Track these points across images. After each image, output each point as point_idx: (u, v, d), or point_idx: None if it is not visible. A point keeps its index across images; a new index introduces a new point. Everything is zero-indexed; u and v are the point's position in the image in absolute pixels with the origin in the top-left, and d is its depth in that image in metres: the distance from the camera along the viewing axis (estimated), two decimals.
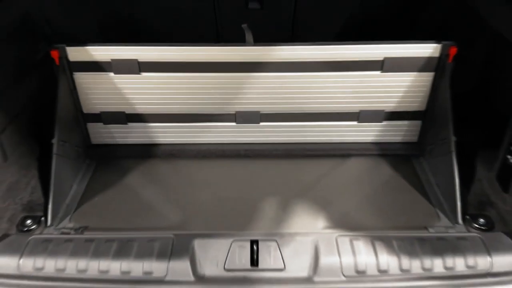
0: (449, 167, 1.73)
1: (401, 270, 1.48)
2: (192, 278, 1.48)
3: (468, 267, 1.49)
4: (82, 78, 1.88)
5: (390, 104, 1.96)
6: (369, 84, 1.90)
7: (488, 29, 1.83)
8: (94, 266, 1.50)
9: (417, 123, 2.02)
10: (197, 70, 1.86)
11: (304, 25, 2.54)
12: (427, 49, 1.81)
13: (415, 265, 1.49)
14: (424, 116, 1.99)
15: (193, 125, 2.02)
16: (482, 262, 1.50)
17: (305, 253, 1.53)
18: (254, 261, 1.53)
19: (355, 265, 1.49)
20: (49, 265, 1.51)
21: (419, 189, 1.88)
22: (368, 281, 1.47)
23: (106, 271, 1.49)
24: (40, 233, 1.65)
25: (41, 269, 1.50)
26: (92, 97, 1.93)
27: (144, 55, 1.83)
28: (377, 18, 2.52)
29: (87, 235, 1.62)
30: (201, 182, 1.93)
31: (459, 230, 1.65)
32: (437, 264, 1.49)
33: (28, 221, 1.70)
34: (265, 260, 1.52)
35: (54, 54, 1.80)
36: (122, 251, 1.53)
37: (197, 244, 1.55)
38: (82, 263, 1.50)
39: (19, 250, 1.54)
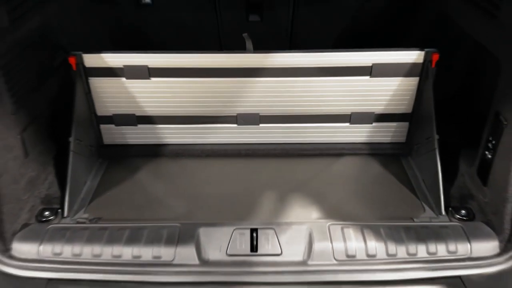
0: (433, 163, 1.85)
1: (388, 255, 1.59)
2: (197, 261, 1.59)
3: (449, 252, 1.60)
4: (97, 83, 2.01)
5: (379, 106, 2.08)
6: (359, 88, 2.02)
7: (467, 38, 1.96)
8: (108, 251, 1.61)
9: (405, 124, 2.14)
10: (201, 76, 1.99)
11: (301, 35, 2.69)
12: (412, 56, 1.94)
13: (400, 250, 1.60)
14: (411, 118, 2.11)
15: (198, 126, 2.14)
16: (462, 248, 1.61)
17: (300, 239, 1.64)
18: (254, 247, 1.63)
19: (346, 250, 1.60)
20: (67, 250, 1.62)
21: (406, 184, 2.00)
22: (357, 264, 1.58)
23: (119, 256, 1.60)
24: (58, 223, 1.77)
25: (59, 254, 1.62)
26: (105, 100, 2.07)
27: (153, 62, 1.96)
28: (368, 29, 2.67)
29: (101, 224, 1.74)
30: (205, 179, 2.04)
31: (442, 220, 1.76)
32: (421, 250, 1.60)
33: (46, 213, 1.81)
34: (263, 246, 1.63)
35: (72, 60, 1.94)
36: (133, 238, 1.64)
37: (202, 232, 1.66)
38: (97, 248, 1.62)
39: (39, 238, 1.66)
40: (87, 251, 1.61)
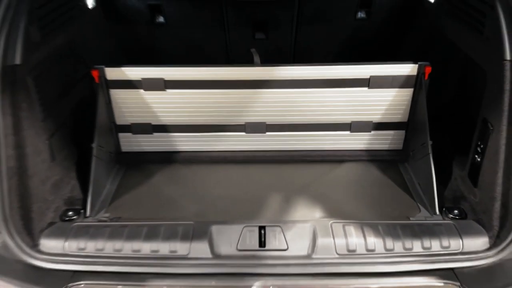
0: (428, 166, 1.97)
1: (386, 249, 1.69)
2: (210, 255, 1.70)
3: (442, 247, 1.70)
4: (117, 94, 2.16)
5: (377, 116, 2.21)
6: (358, 99, 2.16)
7: (458, 52, 2.10)
8: (128, 246, 1.72)
9: (401, 132, 2.26)
10: (213, 87, 2.13)
11: (303, 51, 2.84)
12: (406, 69, 2.08)
13: (397, 245, 1.70)
14: (407, 126, 2.24)
15: (209, 134, 2.27)
16: (455, 243, 1.71)
17: (305, 236, 1.74)
18: (262, 243, 1.73)
19: (347, 245, 1.71)
20: (90, 246, 1.73)
21: (403, 187, 2.11)
22: (358, 258, 1.68)
23: (138, 250, 1.71)
24: (81, 222, 1.89)
25: (83, 249, 1.73)
26: (124, 110, 2.21)
27: (169, 75, 2.11)
28: (366, 44, 2.82)
29: (121, 222, 1.86)
30: (216, 182, 2.17)
31: (436, 219, 1.87)
32: (416, 245, 1.70)
33: (70, 213, 1.93)
34: (271, 242, 1.73)
35: (95, 73, 2.09)
36: (151, 234, 1.75)
37: (214, 229, 1.77)
38: (118, 244, 1.72)
39: (65, 234, 1.77)
40: (109, 246, 1.73)
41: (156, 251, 1.71)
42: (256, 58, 2.15)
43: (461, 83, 2.11)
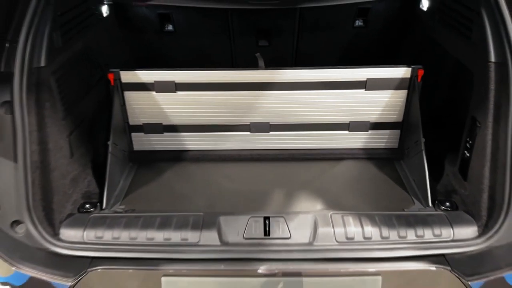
0: (421, 162, 2.08)
1: (382, 237, 1.79)
2: (219, 243, 1.79)
3: (434, 235, 1.80)
4: (130, 96, 2.28)
5: (373, 116, 2.33)
6: (356, 100, 2.27)
7: (449, 56, 2.22)
8: (142, 235, 1.81)
9: (396, 132, 2.38)
10: (220, 89, 2.25)
11: (304, 57, 2.97)
12: (401, 72, 2.20)
13: (392, 233, 1.79)
14: (402, 126, 2.35)
15: (216, 134, 2.39)
16: (446, 232, 1.81)
17: (306, 226, 1.83)
18: (267, 232, 1.82)
19: (346, 233, 1.80)
20: (107, 234, 1.83)
21: (398, 183, 2.23)
22: (355, 245, 1.78)
23: (152, 238, 1.81)
24: (98, 213, 2.00)
25: (101, 237, 1.83)
26: (137, 111, 2.33)
27: (179, 77, 2.23)
28: (363, 50, 2.95)
29: (135, 213, 1.98)
30: (223, 179, 2.28)
31: (429, 210, 1.98)
32: (410, 233, 1.79)
33: (87, 205, 2.04)
34: (275, 231, 1.82)
35: (111, 76, 2.22)
36: (164, 224, 1.85)
37: (222, 220, 1.86)
38: (133, 233, 1.82)
39: (83, 224, 1.87)
40: (125, 235, 1.83)
41: (169, 239, 1.81)
42: (261, 62, 2.28)
43: (452, 85, 2.23)
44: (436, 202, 2.02)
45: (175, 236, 1.82)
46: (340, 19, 2.90)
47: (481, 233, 1.81)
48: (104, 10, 2.62)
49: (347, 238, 1.81)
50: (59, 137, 1.96)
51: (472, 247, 1.77)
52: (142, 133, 2.41)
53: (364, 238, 1.80)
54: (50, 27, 1.86)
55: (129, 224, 1.87)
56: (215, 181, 2.26)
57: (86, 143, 2.23)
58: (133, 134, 2.41)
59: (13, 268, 1.77)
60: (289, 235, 1.82)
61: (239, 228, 1.84)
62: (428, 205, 2.02)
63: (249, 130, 2.38)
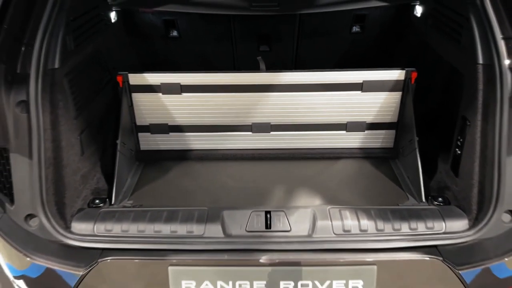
0: (415, 160, 2.17)
1: (377, 230, 1.86)
2: (222, 235, 1.86)
3: (427, 228, 1.87)
4: (138, 97, 2.38)
5: (369, 116, 2.42)
6: (352, 101, 2.36)
7: (442, 60, 2.30)
8: (150, 228, 1.88)
9: (392, 132, 2.47)
10: (223, 91, 2.34)
11: (304, 61, 3.07)
12: (395, 74, 2.29)
13: (387, 226, 1.86)
14: (397, 126, 2.44)
15: (219, 134, 2.48)
16: (438, 225, 1.88)
17: (305, 219, 1.90)
18: (268, 225, 1.88)
19: (343, 226, 1.88)
20: (116, 227, 1.90)
21: (393, 180, 2.31)
22: (352, 237, 1.85)
23: (159, 231, 1.88)
24: (107, 208, 2.09)
25: (110, 230, 1.89)
26: (144, 112, 2.43)
27: (185, 80, 2.32)
28: (360, 54, 3.05)
29: (143, 208, 2.06)
30: (226, 176, 2.36)
31: (423, 205, 2.06)
32: (404, 226, 1.86)
33: (97, 201, 2.11)
34: (276, 225, 1.88)
35: (119, 78, 2.31)
36: (170, 217, 1.92)
37: (225, 213, 1.93)
38: (141, 226, 1.89)
39: (93, 218, 1.94)
40: (133, 228, 1.90)
41: (175, 231, 1.88)
42: (262, 65, 2.37)
43: (444, 86, 2.31)
44: (430, 197, 2.10)
45: (181, 229, 1.89)
46: (338, 25, 3.00)
47: (472, 226, 1.88)
48: (113, 16, 2.73)
49: (344, 230, 1.88)
50: (71, 136, 2.04)
51: (463, 239, 1.84)
52: (149, 133, 2.50)
53: (360, 230, 1.88)
54: (63, 31, 1.96)
55: (137, 218, 1.94)
56: (218, 179, 2.35)
57: (95, 142, 2.31)
58: (140, 134, 2.50)
59: (28, 259, 1.85)
60: (289, 228, 1.89)
61: (242, 222, 1.91)
62: (421, 201, 2.10)
63: (251, 130, 2.46)
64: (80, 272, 1.81)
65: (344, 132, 2.46)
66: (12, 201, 1.90)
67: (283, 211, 1.95)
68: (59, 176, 1.96)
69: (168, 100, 2.39)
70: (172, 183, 2.33)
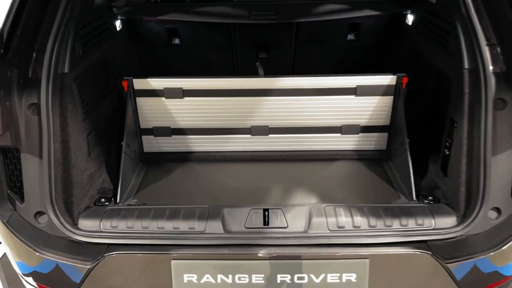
0: (406, 160, 2.25)
1: (369, 226, 1.93)
2: (222, 231, 1.93)
3: (417, 224, 1.94)
4: (142, 101, 2.47)
5: (363, 120, 2.50)
6: (347, 105, 2.45)
7: (433, 66, 2.39)
8: (153, 225, 1.95)
9: (384, 134, 2.55)
10: (224, 95, 2.42)
11: (301, 68, 3.17)
12: (387, 79, 2.38)
13: (379, 223, 1.94)
14: (389, 129, 2.53)
15: (220, 136, 2.55)
16: (428, 221, 1.95)
17: (302, 216, 1.97)
18: (266, 222, 1.95)
19: (337, 223, 1.94)
20: (122, 224, 1.97)
21: (386, 180, 2.39)
22: (346, 232, 1.92)
23: (162, 227, 1.95)
24: (113, 206, 2.17)
25: (116, 227, 1.96)
26: (147, 115, 2.51)
27: (187, 85, 2.41)
28: (355, 61, 3.15)
29: (147, 206, 2.14)
30: (226, 177, 2.44)
31: (413, 203, 2.14)
32: (395, 223, 1.93)
33: (103, 199, 2.19)
34: (273, 221, 1.95)
35: (124, 83, 2.40)
36: (173, 215, 1.99)
37: (226, 211, 2.00)
38: (145, 222, 1.96)
39: (100, 215, 2.02)
40: (138, 224, 1.97)
41: (177, 228, 1.95)
42: (261, 71, 2.47)
43: (434, 90, 2.40)
44: (420, 196, 2.18)
45: (183, 225, 1.97)
46: (333, 33, 3.11)
47: (460, 222, 1.95)
48: (118, 24, 2.83)
49: (338, 226, 1.96)
50: (79, 137, 2.13)
51: (451, 235, 1.92)
52: (152, 136, 2.59)
53: (354, 226, 1.95)
54: (72, 38, 2.06)
55: (141, 215, 2.01)
56: (219, 179, 2.43)
57: (101, 144, 2.40)
58: (143, 136, 2.59)
59: (37, 254, 1.92)
60: (286, 225, 1.96)
61: (241, 219, 1.98)
62: (412, 199, 2.18)
63: (250, 133, 2.54)
64: (87, 266, 1.89)
65: (339, 134, 2.55)
66: (22, 199, 1.99)
67: (280, 208, 2.02)
68: (67, 175, 2.04)
69: (171, 104, 2.48)
70: (174, 183, 2.41)
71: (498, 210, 1.94)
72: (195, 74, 2.69)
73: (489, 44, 1.91)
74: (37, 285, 2.04)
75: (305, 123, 2.51)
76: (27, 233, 1.97)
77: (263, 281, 1.89)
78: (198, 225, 1.97)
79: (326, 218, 1.98)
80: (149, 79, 2.41)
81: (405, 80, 2.36)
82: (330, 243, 1.90)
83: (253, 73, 2.58)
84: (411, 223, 1.96)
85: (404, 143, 2.31)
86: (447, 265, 1.86)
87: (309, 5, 2.87)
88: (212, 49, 3.15)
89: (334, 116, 2.49)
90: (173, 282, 1.90)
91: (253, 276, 1.88)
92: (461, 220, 1.97)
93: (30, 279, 2.05)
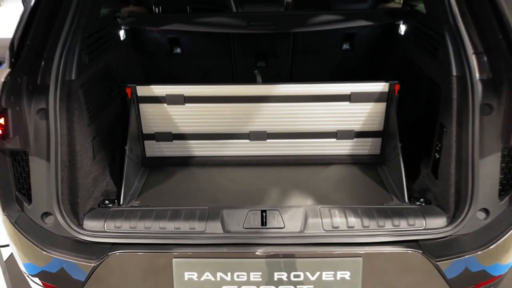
0: (398, 163, 2.33)
1: (363, 226, 1.99)
2: (222, 231, 1.99)
3: (409, 225, 2.00)
4: (145, 108, 2.55)
5: (358, 125, 2.58)
6: (342, 111, 2.53)
7: (424, 74, 2.47)
8: (156, 225, 2.01)
9: (378, 140, 2.62)
10: (223, 102, 2.50)
11: (298, 76, 3.26)
12: (380, 86, 2.46)
13: (372, 223, 2.00)
14: (383, 135, 2.61)
15: (219, 141, 2.63)
16: (419, 222, 2.01)
17: (298, 217, 2.03)
18: (264, 223, 2.00)
19: (332, 223, 2.00)
20: (125, 225, 2.03)
21: (380, 183, 2.46)
22: (340, 232, 1.98)
23: (164, 228, 2.01)
24: (116, 208, 2.23)
25: (119, 227, 2.02)
26: (150, 121, 2.59)
27: (188, 91, 2.49)
28: (350, 69, 3.24)
29: (149, 208, 2.20)
30: (225, 180, 2.51)
31: (405, 205, 2.22)
32: (388, 223, 1.99)
33: (107, 201, 2.26)
34: (271, 222, 2.00)
35: (128, 90, 2.48)
36: (174, 216, 2.05)
37: (225, 212, 2.05)
38: (147, 223, 2.02)
39: (104, 216, 2.08)
40: (140, 225, 2.03)
41: (178, 228, 2.01)
42: (258, 78, 2.56)
43: (426, 97, 2.48)
44: (412, 198, 2.25)
45: (184, 225, 2.03)
46: (329, 43, 3.20)
47: (449, 223, 2.01)
48: (122, 34, 2.92)
49: (333, 227, 2.02)
50: (84, 141, 2.20)
51: (441, 234, 1.98)
52: (154, 141, 2.66)
53: (348, 227, 2.01)
54: (79, 47, 2.14)
55: (143, 216, 2.07)
56: (218, 182, 2.50)
57: (105, 149, 2.47)
58: (146, 141, 2.66)
59: (44, 253, 1.98)
60: (283, 225, 2.02)
61: (240, 219, 2.04)
62: (404, 201, 2.25)
63: (248, 138, 2.62)
64: (92, 264, 1.95)
65: (334, 139, 2.62)
66: (29, 201, 2.06)
67: (277, 210, 2.08)
68: (73, 177, 2.10)
69: (172, 110, 2.55)
70: (175, 186, 2.48)
71: (486, 211, 2.01)
72: (196, 81, 2.78)
73: (476, 53, 2.00)
74: (43, 283, 2.10)
75: (302, 129, 2.59)
76: (34, 233, 2.03)
77: (260, 279, 1.95)
78: (198, 226, 2.03)
79: (321, 218, 2.04)
80: (151, 86, 2.49)
81: (397, 87, 2.44)
82: (325, 243, 1.96)
83: (252, 81, 2.67)
84: (403, 224, 2.03)
85: (396, 148, 2.39)
86: (437, 263, 1.93)
87: (305, 16, 2.97)
88: (212, 58, 3.24)
89: (329, 121, 2.57)
90: (174, 279, 1.96)
91: (251, 274, 1.94)
92: (451, 220, 2.03)
93: (36, 279, 2.11)
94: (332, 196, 2.35)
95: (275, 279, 1.95)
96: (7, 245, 2.28)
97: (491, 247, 1.94)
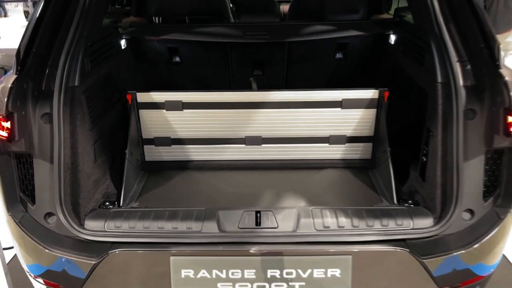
0: (387, 167, 2.40)
1: (353, 226, 2.05)
2: (217, 231, 2.05)
3: (397, 225, 2.06)
4: (145, 113, 2.63)
5: (349, 130, 2.65)
6: (334, 117, 2.61)
7: (412, 80, 2.56)
8: (154, 225, 2.08)
9: (369, 144, 2.70)
10: (220, 108, 2.58)
11: (293, 84, 3.36)
12: (370, 93, 2.55)
13: (362, 223, 2.06)
14: (374, 140, 2.70)
15: (216, 146, 2.71)
16: (406, 222, 2.07)
17: (291, 218, 2.09)
18: (258, 223, 2.06)
19: (323, 223, 2.07)
20: (125, 225, 2.09)
21: (370, 186, 2.53)
22: (331, 231, 2.04)
23: (162, 227, 2.07)
24: (116, 209, 2.30)
25: (119, 227, 2.09)
26: (149, 126, 2.67)
27: (186, 98, 2.58)
28: (343, 76, 3.34)
29: (148, 209, 2.28)
30: (222, 183, 2.59)
31: (394, 206, 2.29)
32: (377, 223, 2.06)
33: (107, 203, 2.32)
34: (265, 222, 2.06)
35: (129, 96, 2.57)
36: (172, 216, 2.11)
37: (221, 213, 2.11)
38: (146, 223, 2.08)
39: (104, 217, 2.14)
40: (139, 225, 2.09)
41: (176, 228, 2.07)
42: (254, 85, 2.65)
43: (414, 103, 2.56)
44: (401, 200, 2.32)
45: (181, 225, 2.09)
46: (322, 52, 3.30)
47: (436, 223, 2.08)
48: (123, 43, 3.02)
49: (324, 227, 2.08)
50: (86, 144, 2.28)
51: (427, 234, 2.05)
52: (153, 146, 2.74)
53: (338, 227, 2.08)
54: (82, 55, 2.23)
55: (142, 217, 2.14)
56: (215, 185, 2.58)
57: (106, 152, 2.55)
58: (145, 146, 2.74)
59: (47, 251, 2.05)
60: (276, 225, 2.08)
61: (235, 220, 2.10)
62: (393, 203, 2.32)
63: (244, 143, 2.69)
64: (92, 262, 2.01)
65: (327, 144, 2.70)
66: (33, 201, 2.13)
67: (271, 211, 2.15)
68: (75, 179, 2.18)
69: (171, 116, 2.64)
70: (173, 188, 2.55)
71: (471, 211, 2.08)
72: (194, 89, 2.87)
73: (460, 61, 2.10)
74: (45, 282, 2.16)
75: (296, 134, 2.67)
76: (38, 233, 2.10)
77: (254, 276, 2.01)
78: (195, 225, 2.09)
79: (313, 219, 2.11)
80: (151, 93, 2.58)
81: (386, 94, 2.53)
82: (316, 241, 2.03)
83: (248, 88, 2.75)
84: (391, 224, 2.10)
85: (386, 152, 2.47)
86: (423, 261, 1.99)
87: (300, 26, 3.07)
88: (210, 66, 3.34)
89: (322, 127, 2.65)
90: (172, 276, 2.03)
91: (245, 271, 2.01)
92: (437, 221, 2.10)
93: (40, 279, 2.17)
94: (324, 198, 2.42)
95: (268, 276, 2.02)
96: (11, 247, 2.34)
97: (475, 246, 2.01)
